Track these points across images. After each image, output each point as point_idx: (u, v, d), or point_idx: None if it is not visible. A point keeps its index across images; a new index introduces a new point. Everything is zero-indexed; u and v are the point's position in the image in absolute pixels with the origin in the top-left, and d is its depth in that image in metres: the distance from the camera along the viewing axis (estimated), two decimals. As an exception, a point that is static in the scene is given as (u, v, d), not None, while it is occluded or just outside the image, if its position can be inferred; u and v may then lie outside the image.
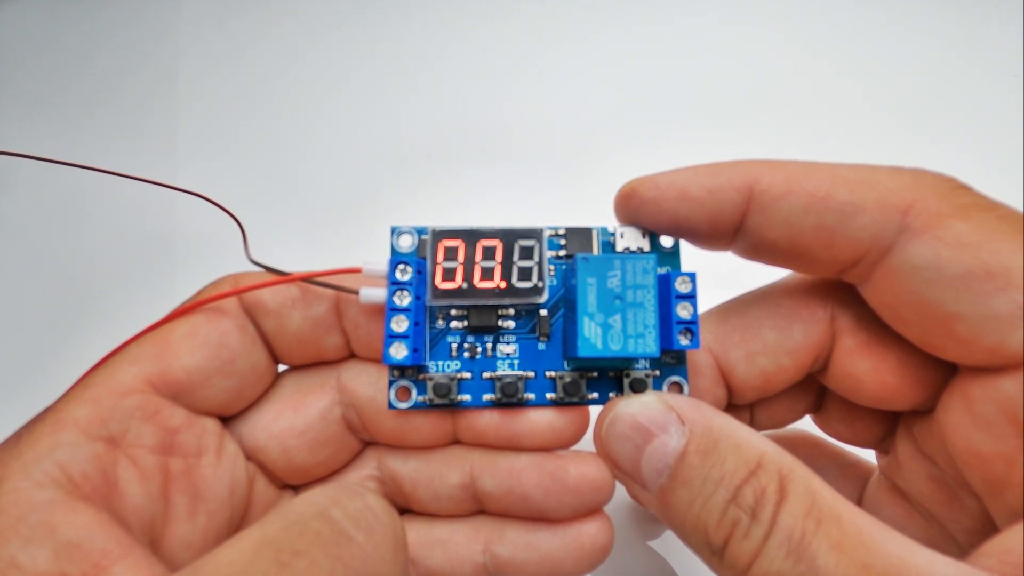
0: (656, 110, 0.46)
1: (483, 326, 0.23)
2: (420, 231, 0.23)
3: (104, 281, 0.41)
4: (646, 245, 0.23)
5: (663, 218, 0.22)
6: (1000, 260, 0.18)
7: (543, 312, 0.23)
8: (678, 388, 0.23)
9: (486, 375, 0.23)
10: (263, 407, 0.23)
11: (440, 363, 0.23)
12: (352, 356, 0.24)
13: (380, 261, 0.22)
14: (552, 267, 0.23)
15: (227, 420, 0.23)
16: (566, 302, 0.23)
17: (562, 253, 0.23)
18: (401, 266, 0.22)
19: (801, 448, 0.28)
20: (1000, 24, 0.46)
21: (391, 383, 0.22)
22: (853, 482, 0.27)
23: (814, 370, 0.24)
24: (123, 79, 0.47)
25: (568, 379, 0.23)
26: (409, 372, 0.23)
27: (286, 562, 0.15)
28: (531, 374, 0.23)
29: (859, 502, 0.26)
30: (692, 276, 0.21)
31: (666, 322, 0.21)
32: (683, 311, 0.21)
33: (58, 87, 0.47)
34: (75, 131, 0.46)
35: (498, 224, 0.23)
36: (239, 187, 0.43)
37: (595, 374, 0.23)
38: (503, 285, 0.22)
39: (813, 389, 0.26)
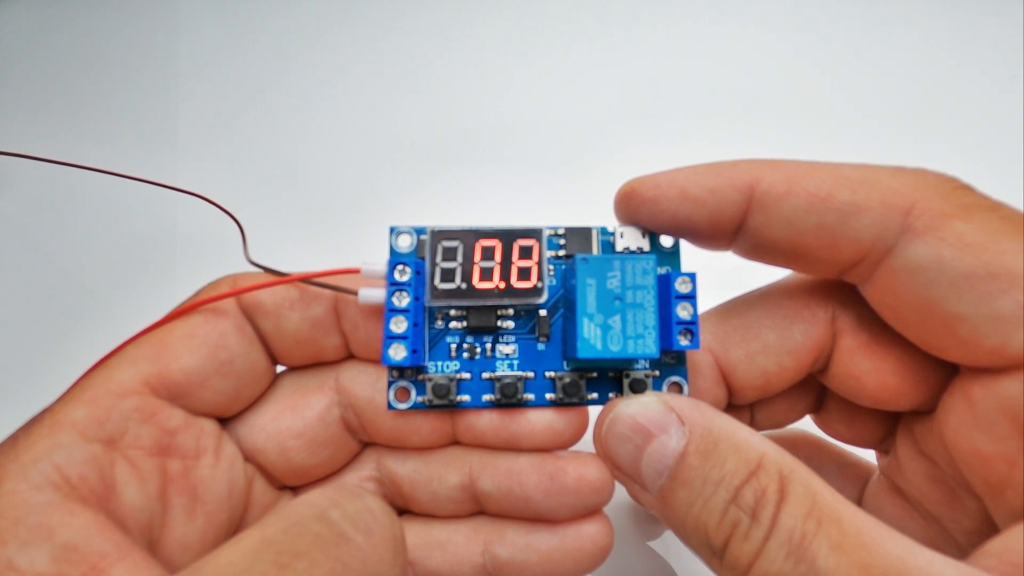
0: (656, 110, 0.45)
1: (482, 326, 0.23)
2: (419, 231, 0.23)
3: (103, 281, 0.41)
4: (646, 245, 0.23)
5: (663, 218, 0.22)
6: (1003, 261, 0.18)
7: (542, 312, 0.23)
8: (678, 388, 0.23)
9: (485, 375, 0.23)
10: (262, 408, 0.23)
11: (439, 364, 0.23)
12: (351, 357, 0.24)
13: (379, 261, 0.22)
14: (552, 267, 0.23)
15: (225, 421, 0.23)
16: (566, 302, 0.23)
17: (561, 253, 0.23)
18: (400, 267, 0.22)
19: (801, 448, 0.28)
20: (1000, 24, 0.46)
21: (390, 384, 0.22)
22: (853, 482, 0.27)
23: (814, 370, 0.24)
24: (123, 79, 0.47)
25: (567, 379, 0.22)
26: (408, 373, 0.22)
27: (286, 563, 0.15)
28: (530, 374, 0.23)
29: (859, 502, 0.26)
30: (692, 276, 0.21)
31: (666, 322, 0.21)
32: (683, 311, 0.21)
33: (58, 87, 0.47)
34: (75, 131, 0.46)
35: (497, 224, 0.23)
36: (239, 187, 0.43)
37: (595, 374, 0.23)
38: (502, 285, 0.22)
39: (813, 389, 0.26)
